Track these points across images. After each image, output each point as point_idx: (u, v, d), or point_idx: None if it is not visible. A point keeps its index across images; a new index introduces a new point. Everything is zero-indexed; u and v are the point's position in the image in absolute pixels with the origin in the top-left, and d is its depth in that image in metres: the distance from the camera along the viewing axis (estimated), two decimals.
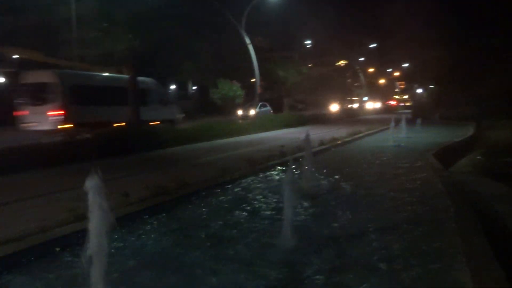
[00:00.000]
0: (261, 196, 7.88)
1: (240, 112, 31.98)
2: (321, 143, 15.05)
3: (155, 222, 6.27)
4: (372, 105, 61.40)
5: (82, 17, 22.30)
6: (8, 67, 41.57)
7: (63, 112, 18.09)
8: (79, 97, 19.00)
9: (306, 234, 5.63)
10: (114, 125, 18.19)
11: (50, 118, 18.01)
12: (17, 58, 44.21)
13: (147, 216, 6.39)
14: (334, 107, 39.64)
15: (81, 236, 4.28)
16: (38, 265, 4.65)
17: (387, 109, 56.17)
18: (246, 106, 32.52)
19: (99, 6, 18.66)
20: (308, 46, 41.19)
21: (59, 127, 17.68)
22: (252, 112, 30.29)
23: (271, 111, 32.49)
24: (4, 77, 40.34)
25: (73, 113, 18.39)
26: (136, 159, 12.13)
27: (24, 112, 18.75)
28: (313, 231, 5.89)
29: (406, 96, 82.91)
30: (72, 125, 17.94)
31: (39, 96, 18.74)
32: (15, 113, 19.20)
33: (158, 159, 12.39)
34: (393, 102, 71.70)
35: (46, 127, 17.77)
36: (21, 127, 18.54)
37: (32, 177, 9.48)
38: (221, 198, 7.80)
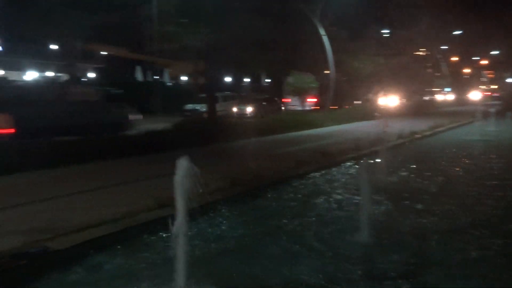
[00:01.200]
0: (336, 190, 7.79)
1: (235, 109, 28.68)
2: (399, 136, 14.45)
3: (231, 212, 6.47)
4: (455, 96, 57.46)
5: (163, 13, 23.26)
6: (97, 63, 44.93)
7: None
8: None
9: (384, 230, 5.48)
10: None
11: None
12: (105, 54, 47.56)
13: (223, 206, 6.59)
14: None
15: (163, 222, 4.59)
16: (126, 247, 5.02)
17: (472, 101, 52.37)
18: (239, 101, 29.53)
19: (179, 1, 19.45)
20: (385, 35, 39.65)
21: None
22: (249, 109, 27.16)
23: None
24: (94, 73, 43.55)
25: None
26: (211, 150, 12.53)
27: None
28: (392, 227, 5.72)
29: (494, 87, 76.60)
30: None
31: None
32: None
33: (232, 151, 12.69)
34: (487, 93, 66.16)
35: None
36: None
37: (119, 165, 10.16)
38: (296, 190, 7.83)
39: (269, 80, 49.19)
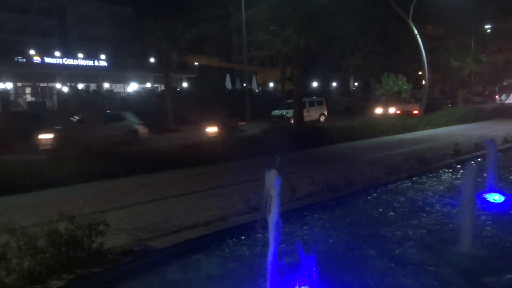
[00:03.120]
0: (433, 198, 7.29)
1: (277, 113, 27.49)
2: (505, 140, 13.13)
3: (323, 217, 6.36)
4: None
5: (253, 22, 23.75)
6: (191, 73, 47.54)
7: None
8: None
9: (490, 243, 5.00)
10: None
11: None
12: (197, 64, 50.16)
13: (315, 211, 6.51)
14: None
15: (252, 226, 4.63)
16: (219, 248, 5.19)
17: None
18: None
19: (268, 10, 19.84)
20: (488, 30, 36.37)
21: None
22: (288, 113, 25.00)
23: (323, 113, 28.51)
24: (187, 82, 46.06)
25: None
26: (302, 155, 12.50)
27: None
28: (498, 240, 5.19)
29: None
30: None
31: None
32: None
33: (323, 156, 12.54)
34: None
35: None
36: None
37: (214, 170, 10.59)
38: (390, 197, 7.48)
39: (356, 84, 48.03)
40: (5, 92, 31.12)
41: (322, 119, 28.86)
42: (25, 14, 48.82)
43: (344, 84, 49.32)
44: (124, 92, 40.33)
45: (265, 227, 3.81)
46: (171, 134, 22.93)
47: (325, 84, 45.66)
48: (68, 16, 52.13)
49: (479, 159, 8.91)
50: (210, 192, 7.93)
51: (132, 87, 44.12)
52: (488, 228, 5.61)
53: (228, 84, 43.80)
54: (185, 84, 45.32)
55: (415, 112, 24.52)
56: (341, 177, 7.86)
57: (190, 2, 39.36)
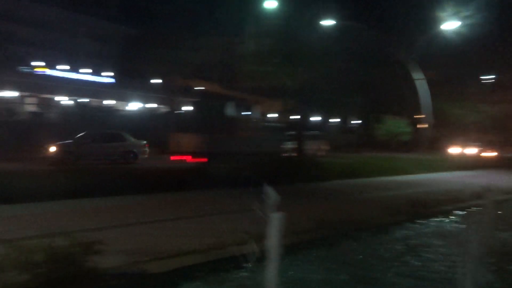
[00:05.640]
0: (433, 245, 7.25)
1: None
2: (506, 191, 13.14)
3: (317, 254, 6.31)
4: None
5: (257, 52, 24.21)
6: (193, 97, 47.93)
7: None
8: None
9: None
10: None
11: None
12: (200, 89, 50.69)
13: (309, 248, 6.47)
14: None
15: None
16: (214, 278, 5.11)
17: None
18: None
19: (272, 43, 20.26)
20: (490, 80, 37.19)
21: None
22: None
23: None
24: (191, 105, 46.34)
25: None
26: (298, 189, 12.47)
27: None
28: None
29: None
30: None
31: None
32: None
33: (318, 192, 12.51)
34: None
35: None
36: None
37: (200, 196, 10.49)
38: (384, 240, 7.44)
39: (356, 121, 48.52)
40: (8, 101, 31.21)
41: (322, 153, 28.93)
42: (34, 27, 49.61)
43: (344, 120, 49.78)
44: (126, 110, 40.55)
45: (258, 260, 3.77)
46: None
47: (325, 119, 46.03)
48: (76, 32, 52.99)
49: (479, 207, 8.90)
50: (204, 218, 7.87)
51: (135, 106, 44.38)
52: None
53: (230, 111, 44.08)
54: (187, 107, 45.61)
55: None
56: (337, 215, 7.84)
57: (196, 29, 40.19)
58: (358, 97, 23.94)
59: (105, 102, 41.89)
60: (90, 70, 45.77)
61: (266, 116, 49.08)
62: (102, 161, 18.03)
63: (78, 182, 9.52)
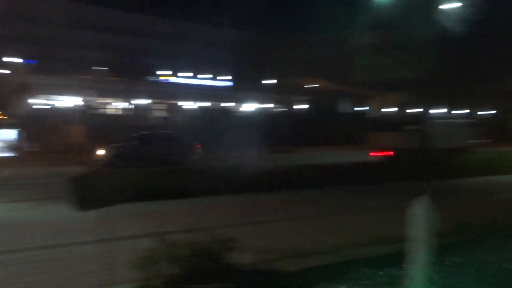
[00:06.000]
0: None
1: None
2: None
3: (465, 260, 5.75)
4: None
5: (371, 45, 23.25)
6: (303, 95, 48.07)
7: None
8: None
9: None
10: None
11: None
12: (309, 87, 50.66)
13: (453, 252, 5.94)
14: None
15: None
16: (347, 279, 4.96)
17: None
18: None
19: (387, 33, 19.28)
20: None
21: None
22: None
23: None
24: (302, 104, 46.56)
25: None
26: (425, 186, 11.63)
27: None
28: None
29: None
30: None
31: None
32: None
33: (449, 190, 11.49)
34: None
35: None
36: None
37: (332, 193, 10.38)
38: None
39: (486, 112, 43.76)
40: (140, 108, 34.82)
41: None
42: (158, 39, 54.39)
43: (471, 111, 45.31)
44: (241, 112, 42.36)
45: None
46: (281, 155, 23.15)
47: (448, 111, 42.37)
48: (196, 41, 56.83)
49: None
50: (332, 217, 7.76)
51: (250, 106, 46.14)
52: None
53: (344, 107, 43.31)
54: (299, 106, 45.93)
55: None
56: (479, 215, 7.10)
57: (308, 27, 40.09)
58: (490, 85, 21.64)
59: (224, 104, 44.31)
60: (209, 75, 48.79)
61: (381, 111, 47.16)
62: (151, 163, 17.11)
63: (204, 180, 10.08)
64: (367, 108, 46.25)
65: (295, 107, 45.88)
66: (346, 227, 6.89)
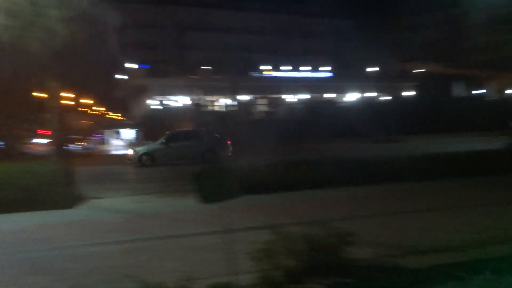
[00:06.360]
0: None
1: None
2: None
3: None
4: None
5: (488, 21, 21.04)
6: (412, 81, 45.20)
7: None
8: None
9: None
10: None
11: None
12: (418, 72, 47.48)
13: None
14: None
15: None
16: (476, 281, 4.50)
17: None
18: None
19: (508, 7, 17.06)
20: None
21: None
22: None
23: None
24: (411, 89, 43.88)
25: None
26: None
27: None
28: None
29: None
30: None
31: None
32: None
33: None
34: None
35: None
36: None
37: (448, 186, 9.58)
38: None
39: None
40: (244, 103, 35.98)
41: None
42: (259, 35, 55.59)
43: None
44: (344, 102, 41.43)
45: None
46: (391, 145, 22.09)
47: None
48: (293, 34, 56.94)
49: None
50: (453, 211, 7.14)
51: (352, 96, 44.88)
52: None
53: (457, 91, 39.83)
54: (407, 93, 43.40)
55: None
56: None
57: (412, 8, 37.64)
58: None
59: (325, 96, 43.76)
60: (310, 68, 48.58)
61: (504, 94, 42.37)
62: (179, 161, 17.77)
63: (315, 172, 9.99)
64: (485, 91, 42.02)
65: (402, 94, 43.45)
66: (474, 221, 6.27)
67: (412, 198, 8.33)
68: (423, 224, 6.28)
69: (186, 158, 17.82)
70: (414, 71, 45.09)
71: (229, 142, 19.35)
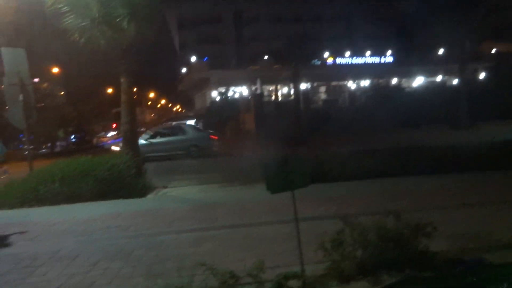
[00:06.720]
0: None
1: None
2: None
3: None
4: None
5: None
6: (487, 62, 42.05)
7: None
8: None
9: None
10: None
11: None
12: (495, 52, 44.07)
13: None
14: None
15: None
16: None
17: None
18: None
19: None
20: None
21: None
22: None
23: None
24: (484, 72, 41.01)
25: None
26: None
27: None
28: None
29: None
30: None
31: None
32: None
33: None
34: None
35: None
36: None
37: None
38: None
39: None
40: (306, 92, 35.62)
41: None
42: (317, 23, 54.52)
43: None
44: (409, 87, 39.61)
45: None
46: (472, 131, 20.54)
47: None
48: (354, 20, 55.34)
49: None
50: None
51: (419, 81, 42.80)
52: None
53: None
54: (481, 75, 40.53)
55: None
56: None
57: None
58: None
59: (391, 80, 42.17)
60: (370, 53, 47.05)
61: None
62: (163, 156, 17.82)
63: (379, 162, 9.61)
64: None
65: (475, 76, 40.63)
66: None
67: (498, 188, 7.73)
68: (502, 217, 5.82)
69: (168, 153, 18.25)
70: (488, 51, 42.00)
71: (215, 137, 19.60)
